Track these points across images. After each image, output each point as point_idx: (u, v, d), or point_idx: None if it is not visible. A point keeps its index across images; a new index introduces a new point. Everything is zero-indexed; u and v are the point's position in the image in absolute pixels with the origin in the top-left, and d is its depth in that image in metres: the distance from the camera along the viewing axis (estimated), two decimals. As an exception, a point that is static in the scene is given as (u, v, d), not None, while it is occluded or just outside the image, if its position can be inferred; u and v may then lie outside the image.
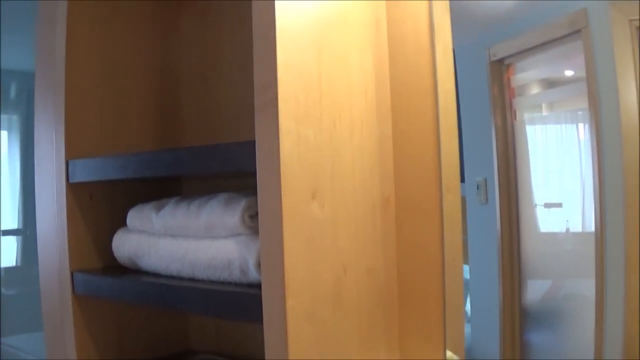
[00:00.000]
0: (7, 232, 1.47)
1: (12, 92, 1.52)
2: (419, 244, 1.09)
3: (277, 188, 0.83)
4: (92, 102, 1.26)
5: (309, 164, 0.88)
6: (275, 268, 0.84)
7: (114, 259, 1.23)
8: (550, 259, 1.08)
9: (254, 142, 0.86)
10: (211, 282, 0.99)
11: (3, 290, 1.52)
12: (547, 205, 1.07)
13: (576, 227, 1.03)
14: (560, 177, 1.07)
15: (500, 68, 1.14)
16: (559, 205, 1.06)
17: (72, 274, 1.21)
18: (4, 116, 1.53)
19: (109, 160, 1.09)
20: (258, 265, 0.91)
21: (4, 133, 1.51)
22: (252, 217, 0.94)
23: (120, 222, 1.23)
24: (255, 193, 0.90)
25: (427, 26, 1.09)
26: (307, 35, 0.90)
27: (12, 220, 1.48)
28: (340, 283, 0.94)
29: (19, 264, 1.45)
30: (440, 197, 1.09)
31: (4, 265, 1.48)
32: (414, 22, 1.10)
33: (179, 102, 1.44)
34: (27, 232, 1.27)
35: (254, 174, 0.86)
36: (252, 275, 0.92)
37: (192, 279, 1.02)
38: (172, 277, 1.06)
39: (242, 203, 0.94)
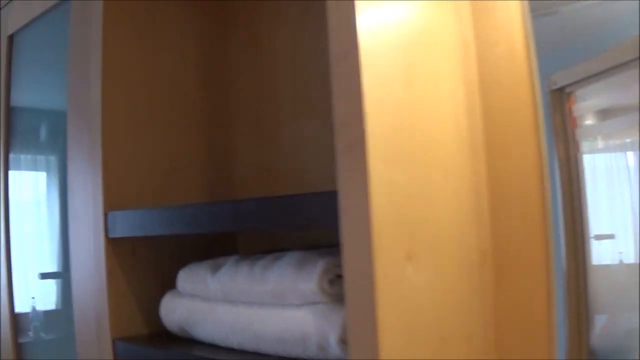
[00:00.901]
0: (46, 275, 1.44)
1: (49, 133, 1.47)
2: (522, 305, 0.94)
3: (368, 247, 0.71)
4: (133, 145, 1.18)
5: (402, 216, 0.76)
6: (367, 346, 0.73)
7: (161, 325, 1.12)
8: (605, 293, 1.04)
9: (334, 192, 0.72)
10: (281, 358, 0.88)
11: (42, 334, 1.49)
12: (598, 237, 1.02)
13: (629, 258, 0.98)
14: (611, 207, 1.04)
15: (561, 97, 1.06)
16: (612, 236, 1.01)
17: (113, 342, 1.11)
18: (41, 157, 1.49)
19: (155, 212, 0.99)
20: (341, 341, 0.78)
21: (43, 174, 1.47)
22: (331, 283, 0.82)
23: (167, 283, 1.14)
24: (331, 251, 0.81)
25: (524, 49, 0.96)
26: (394, 59, 0.79)
27: (51, 263, 1.45)
28: (438, 358, 0.80)
29: (58, 307, 1.42)
30: (547, 249, 0.95)
31: (43, 308, 1.46)
32: (508, 44, 0.97)
33: (231, 147, 1.35)
34: (66, 275, 1.25)
35: (328, 228, 0.75)
36: (334, 352, 0.80)
37: (257, 354, 0.91)
38: (232, 351, 0.95)
39: (320, 265, 0.81)
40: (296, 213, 0.78)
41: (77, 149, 1.20)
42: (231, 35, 1.35)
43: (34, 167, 1.61)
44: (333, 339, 0.80)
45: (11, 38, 1.58)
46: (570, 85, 1.06)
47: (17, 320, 1.54)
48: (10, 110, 1.57)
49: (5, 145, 1.55)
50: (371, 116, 0.74)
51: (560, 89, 1.07)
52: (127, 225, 1.06)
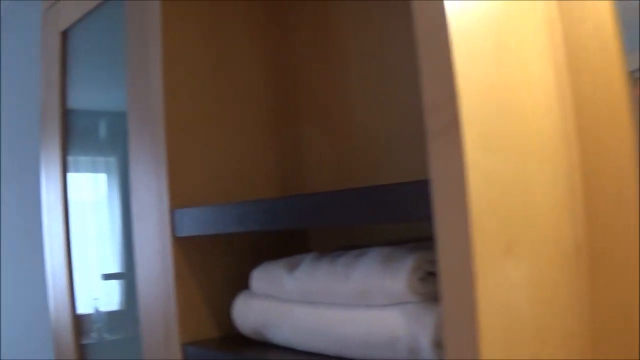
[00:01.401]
0: (109, 276, 1.46)
1: (109, 134, 1.47)
2: (618, 301, 0.89)
3: (466, 240, 0.66)
4: (199, 141, 1.16)
5: (499, 206, 0.71)
6: (466, 348, 0.69)
7: (233, 328, 1.11)
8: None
9: (424, 181, 0.67)
10: (367, 363, 0.82)
11: (106, 335, 1.50)
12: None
13: None
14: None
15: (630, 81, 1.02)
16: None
17: (182, 347, 1.08)
18: (101, 159, 1.50)
19: (226, 209, 0.96)
20: (436, 343, 0.73)
21: (104, 176, 1.47)
22: (422, 280, 0.77)
23: (239, 283, 1.11)
24: (419, 246, 0.77)
25: (612, 27, 0.90)
26: (484, 37, 0.75)
27: (114, 264, 1.47)
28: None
29: (122, 308, 1.44)
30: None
31: (106, 309, 1.47)
32: (596, 22, 0.91)
33: (300, 141, 1.32)
34: (130, 276, 1.27)
35: (419, 220, 0.71)
36: (426, 356, 0.75)
37: (339, 359, 0.87)
38: (312, 355, 0.91)
39: (409, 262, 0.77)
40: (385, 205, 0.74)
41: (138, 148, 1.19)
42: (297, 26, 1.32)
43: (94, 169, 1.62)
44: (425, 341, 0.75)
45: (65, 35, 1.57)
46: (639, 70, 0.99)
47: (79, 322, 1.55)
48: (67, 113, 1.57)
49: (63, 148, 1.55)
50: (464, 97, 0.69)
51: (631, 73, 1.00)
52: (195, 223, 1.03)
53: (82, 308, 1.55)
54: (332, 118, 1.25)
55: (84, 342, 1.54)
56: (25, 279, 3.11)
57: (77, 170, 1.59)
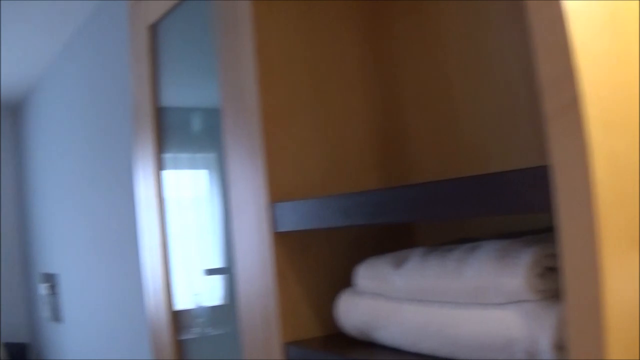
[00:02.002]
0: (211, 272, 1.50)
1: (207, 130, 1.49)
2: None
3: (592, 232, 0.64)
4: (297, 132, 1.16)
5: (625, 195, 0.66)
6: (591, 350, 0.66)
7: (336, 327, 1.11)
8: None
9: (544, 167, 0.64)
10: (482, 366, 0.81)
11: (208, 330, 1.54)
12: None
13: None
14: None
15: None
16: None
17: (284, 346, 1.09)
18: (201, 155, 1.53)
19: (327, 202, 0.95)
20: (557, 345, 0.71)
21: (205, 172, 1.51)
22: (541, 277, 0.74)
23: (342, 280, 1.10)
24: (536, 239, 0.74)
25: None
26: (599, 7, 0.68)
27: (216, 259, 1.51)
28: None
29: (224, 303, 1.47)
30: None
31: (210, 304, 1.51)
32: None
33: (402, 129, 1.30)
34: (231, 270, 1.30)
35: (538, 211, 0.68)
36: (546, 359, 0.70)
37: None
38: (421, 357, 0.90)
39: (526, 257, 0.74)
40: (502, 195, 0.71)
41: (234, 143, 1.20)
42: (395, 9, 1.31)
43: (195, 166, 1.67)
44: (545, 343, 0.72)
45: (153, 29, 1.59)
46: None
47: (181, 317, 1.59)
48: (160, 110, 1.61)
49: (156, 145, 1.59)
50: (584, 72, 0.65)
51: None
52: (295, 217, 1.03)
53: (184, 304, 1.59)
54: (435, 105, 1.23)
55: (185, 337, 1.58)
56: (124, 277, 3.20)
57: (177, 167, 1.63)
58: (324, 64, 1.21)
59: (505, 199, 0.70)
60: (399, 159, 1.28)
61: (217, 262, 1.54)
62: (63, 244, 4.48)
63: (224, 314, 1.51)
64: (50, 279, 4.79)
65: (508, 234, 0.94)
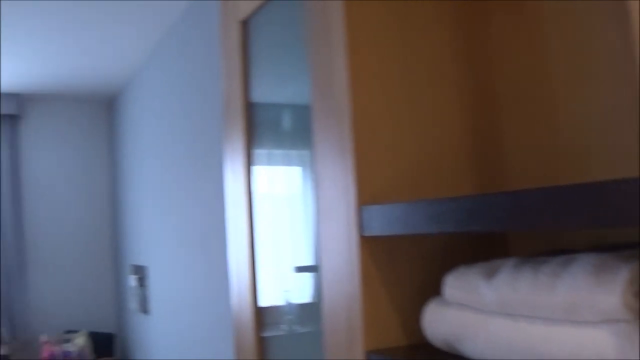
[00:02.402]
0: (301, 269, 1.52)
1: (300, 127, 1.51)
2: None
3: None
4: (388, 133, 1.16)
5: None
6: None
7: (421, 335, 1.11)
8: None
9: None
10: (571, 386, 0.80)
11: (296, 327, 1.56)
12: None
13: None
14: None
15: None
16: None
17: (367, 354, 1.09)
18: (295, 152, 1.56)
19: (417, 207, 0.95)
20: None
21: (298, 169, 1.53)
22: (638, 296, 0.71)
23: (430, 288, 1.10)
24: (635, 253, 0.73)
25: None
26: None
27: (306, 256, 1.53)
28: None
29: (313, 300, 1.49)
30: None
31: (299, 301, 1.53)
32: None
33: (499, 133, 1.28)
34: (319, 268, 1.34)
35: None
36: None
37: None
38: None
39: (623, 273, 0.73)
40: (606, 205, 0.69)
41: (324, 142, 1.22)
42: (490, 8, 1.30)
43: (286, 162, 1.69)
44: (641, 366, 0.70)
45: (244, 24, 1.62)
46: None
47: (267, 314, 1.62)
48: (251, 105, 1.64)
49: (246, 141, 1.62)
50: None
51: None
52: (384, 221, 1.03)
53: (271, 300, 1.63)
54: (533, 107, 1.21)
55: (272, 334, 1.61)
56: (210, 272, 3.25)
57: (267, 164, 1.65)
58: (416, 64, 1.20)
59: (607, 211, 0.68)
60: (494, 163, 1.26)
61: (308, 260, 1.56)
62: (153, 236, 4.60)
63: (312, 312, 1.52)
64: (140, 271, 4.92)
65: (604, 247, 0.92)
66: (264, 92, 1.65)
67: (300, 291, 1.60)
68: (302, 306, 1.58)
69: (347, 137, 1.12)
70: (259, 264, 1.60)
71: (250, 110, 1.63)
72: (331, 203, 1.18)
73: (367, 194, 1.11)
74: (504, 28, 1.26)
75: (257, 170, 1.62)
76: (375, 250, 1.10)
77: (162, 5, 3.66)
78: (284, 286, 1.63)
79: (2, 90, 5.79)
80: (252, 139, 1.62)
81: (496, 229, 0.82)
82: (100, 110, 6.41)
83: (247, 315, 1.62)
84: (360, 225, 1.09)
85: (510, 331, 0.87)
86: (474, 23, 1.28)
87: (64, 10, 3.72)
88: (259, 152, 1.63)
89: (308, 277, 1.56)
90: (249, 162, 1.62)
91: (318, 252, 1.30)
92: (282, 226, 1.66)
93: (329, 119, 1.18)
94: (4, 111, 5.88)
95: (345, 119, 1.13)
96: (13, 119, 5.96)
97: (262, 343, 1.59)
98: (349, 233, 1.12)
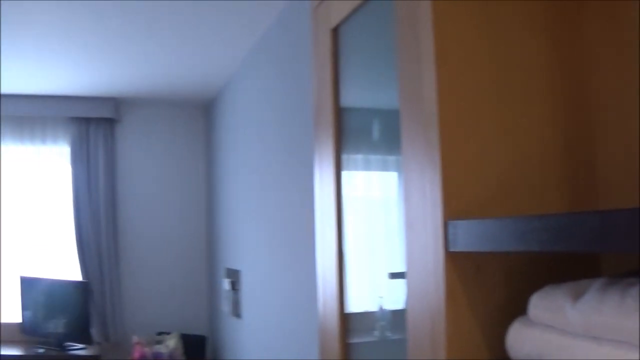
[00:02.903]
0: (395, 275, 1.54)
1: (389, 132, 1.54)
2: None
3: None
4: (477, 145, 1.17)
5: None
6: None
7: (503, 352, 1.12)
8: None
9: None
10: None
11: (388, 334, 1.59)
12: None
13: None
14: None
15: None
16: None
17: (449, 368, 1.11)
18: (392, 157, 1.59)
19: (503, 224, 0.95)
20: None
21: (394, 174, 1.55)
22: None
23: (516, 306, 1.12)
24: None
25: None
26: None
27: (400, 263, 1.55)
28: None
29: (405, 307, 1.52)
30: None
31: (392, 308, 1.55)
32: None
33: (593, 147, 1.27)
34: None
35: None
36: None
37: None
38: None
39: None
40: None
41: (411, 150, 1.23)
42: (586, 11, 1.28)
43: (385, 167, 1.71)
44: None
45: (335, 32, 1.65)
46: None
47: (357, 320, 1.64)
48: (340, 111, 1.67)
49: (336, 146, 1.66)
50: None
51: None
52: (470, 237, 1.04)
53: (363, 306, 1.65)
54: (630, 122, 1.18)
55: (363, 340, 1.64)
56: (300, 277, 3.30)
57: (357, 169, 1.70)
58: (506, 70, 1.21)
59: None
60: (587, 178, 1.24)
61: (401, 266, 1.58)
62: (246, 240, 4.69)
63: (405, 319, 1.54)
64: (233, 275, 5.02)
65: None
66: (354, 97, 1.68)
67: (394, 297, 1.62)
68: (395, 313, 1.60)
69: (435, 149, 1.13)
70: (349, 270, 1.63)
71: (341, 116, 1.66)
72: (417, 214, 1.19)
73: (454, 208, 1.12)
74: (601, 32, 1.24)
75: (348, 175, 1.65)
76: (461, 265, 1.11)
77: (256, 11, 3.75)
78: (377, 292, 1.66)
79: (99, 94, 6.02)
80: (342, 144, 1.65)
81: (583, 249, 0.82)
82: (197, 114, 6.57)
83: (333, 321, 1.65)
84: (446, 240, 1.10)
85: (595, 355, 0.86)
86: (568, 27, 1.27)
87: (160, 16, 3.85)
88: (349, 157, 1.66)
89: (402, 283, 1.58)
90: (339, 167, 1.65)
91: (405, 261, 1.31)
92: (376, 232, 1.68)
93: (417, 128, 1.20)
94: (101, 114, 6.12)
95: (433, 130, 1.14)
96: (109, 123, 6.20)
97: (347, 350, 1.61)
98: (434, 246, 1.13)
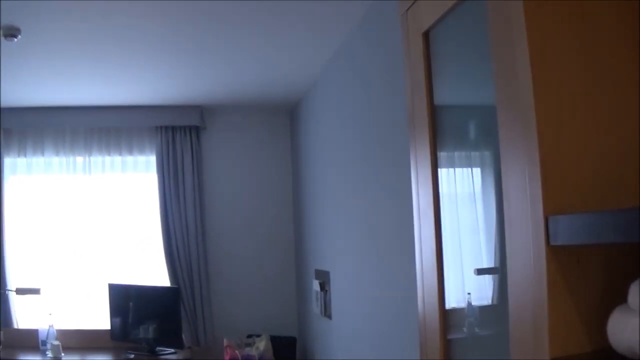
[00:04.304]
0: (482, 271, 1.57)
1: (481, 128, 1.58)
2: None
3: None
4: (575, 141, 1.21)
5: None
6: None
7: (605, 342, 1.14)
8: None
9: None
10: None
11: (477, 330, 1.62)
12: None
13: None
14: None
15: None
16: None
17: (551, 360, 1.16)
18: (473, 153, 1.63)
19: (603, 217, 1.01)
20: None
21: (477, 170, 1.59)
22: None
23: (615, 295, 1.16)
24: None
25: None
26: None
27: (487, 259, 1.58)
28: None
29: (494, 303, 1.54)
30: None
31: (480, 303, 1.58)
32: None
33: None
34: (503, 271, 1.37)
35: None
36: None
37: None
38: None
39: None
40: None
41: (509, 147, 1.28)
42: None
43: (467, 164, 1.76)
44: None
45: (426, 35, 1.71)
46: None
47: (449, 316, 1.69)
48: (436, 110, 1.73)
49: (432, 145, 1.72)
50: None
51: None
52: (571, 231, 1.09)
53: (452, 302, 1.70)
54: None
55: (454, 336, 1.68)
56: (394, 275, 3.32)
57: (449, 166, 1.75)
58: (598, 66, 1.24)
59: None
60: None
61: (488, 262, 1.60)
62: (334, 241, 4.74)
63: (493, 315, 1.56)
64: (322, 276, 5.08)
65: None
66: (446, 95, 1.74)
67: (481, 294, 1.65)
68: (483, 309, 1.64)
69: (534, 146, 1.19)
70: (447, 266, 1.68)
71: (435, 113, 1.72)
72: (517, 210, 1.24)
73: (553, 203, 1.17)
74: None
75: (443, 172, 1.71)
76: (562, 259, 1.16)
77: (340, 14, 3.81)
78: (464, 288, 1.69)
79: (185, 103, 6.20)
80: (437, 142, 1.72)
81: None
82: (281, 118, 6.68)
83: (434, 318, 1.70)
84: (547, 234, 1.15)
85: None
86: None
87: (243, 23, 3.96)
88: (442, 154, 1.72)
89: (488, 279, 1.61)
90: (435, 165, 1.71)
91: (501, 256, 1.36)
92: (463, 227, 1.72)
93: (515, 126, 1.25)
94: (187, 123, 6.30)
95: (531, 127, 1.19)
96: (195, 130, 6.36)
97: (447, 346, 1.67)
98: (535, 241, 1.18)
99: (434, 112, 1.72)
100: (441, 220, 1.69)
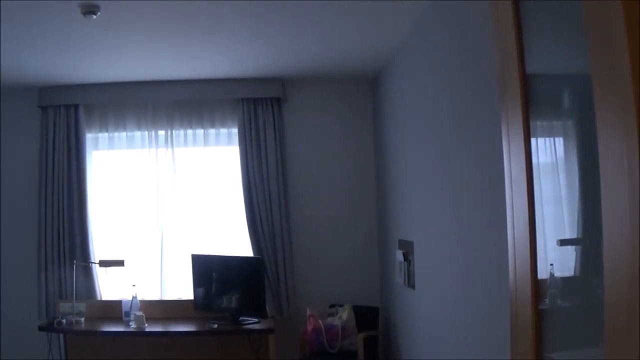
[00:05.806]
0: (565, 242, 1.56)
1: (570, 97, 1.56)
2: None
3: None
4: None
5: None
6: None
7: None
8: None
9: None
10: None
11: (559, 302, 1.62)
12: None
13: None
14: None
15: None
16: None
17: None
18: (559, 123, 1.60)
19: None
20: None
21: (560, 140, 1.57)
22: None
23: None
24: None
25: None
26: None
27: (570, 229, 1.56)
28: None
29: (578, 274, 1.53)
30: None
31: (562, 274, 1.57)
32: None
33: None
34: (586, 241, 1.35)
35: None
36: None
37: None
38: None
39: None
40: None
41: (606, 118, 1.26)
42: None
43: (550, 133, 1.75)
44: None
45: (516, 3, 1.69)
46: None
47: (539, 287, 1.68)
48: (529, 78, 1.71)
49: (524, 114, 1.70)
50: None
51: None
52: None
53: (538, 273, 1.69)
54: None
55: (540, 307, 1.69)
56: (481, 245, 3.32)
57: (535, 135, 1.73)
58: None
59: None
60: None
61: (570, 233, 1.59)
62: (418, 211, 4.75)
63: (576, 286, 1.56)
64: (406, 246, 5.09)
65: None
66: (541, 62, 1.73)
67: (565, 264, 1.64)
68: (565, 280, 1.64)
69: (631, 116, 1.16)
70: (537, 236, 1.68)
71: (527, 82, 1.71)
72: (615, 180, 1.23)
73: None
74: None
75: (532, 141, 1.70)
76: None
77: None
78: (547, 259, 1.68)
79: (266, 75, 6.29)
80: (529, 111, 1.70)
81: None
82: (362, 88, 6.69)
83: (525, 289, 1.70)
84: (644, 204, 1.15)
85: None
86: None
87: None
88: (533, 124, 1.71)
89: (571, 250, 1.59)
90: (528, 134, 1.69)
91: (584, 227, 1.33)
92: (545, 198, 1.70)
93: (611, 96, 1.24)
94: (269, 95, 6.39)
95: (627, 96, 1.17)
96: (277, 102, 6.44)
97: (538, 316, 1.66)
98: (634, 210, 1.17)
99: (527, 79, 1.71)
100: (534, 191, 1.68)
